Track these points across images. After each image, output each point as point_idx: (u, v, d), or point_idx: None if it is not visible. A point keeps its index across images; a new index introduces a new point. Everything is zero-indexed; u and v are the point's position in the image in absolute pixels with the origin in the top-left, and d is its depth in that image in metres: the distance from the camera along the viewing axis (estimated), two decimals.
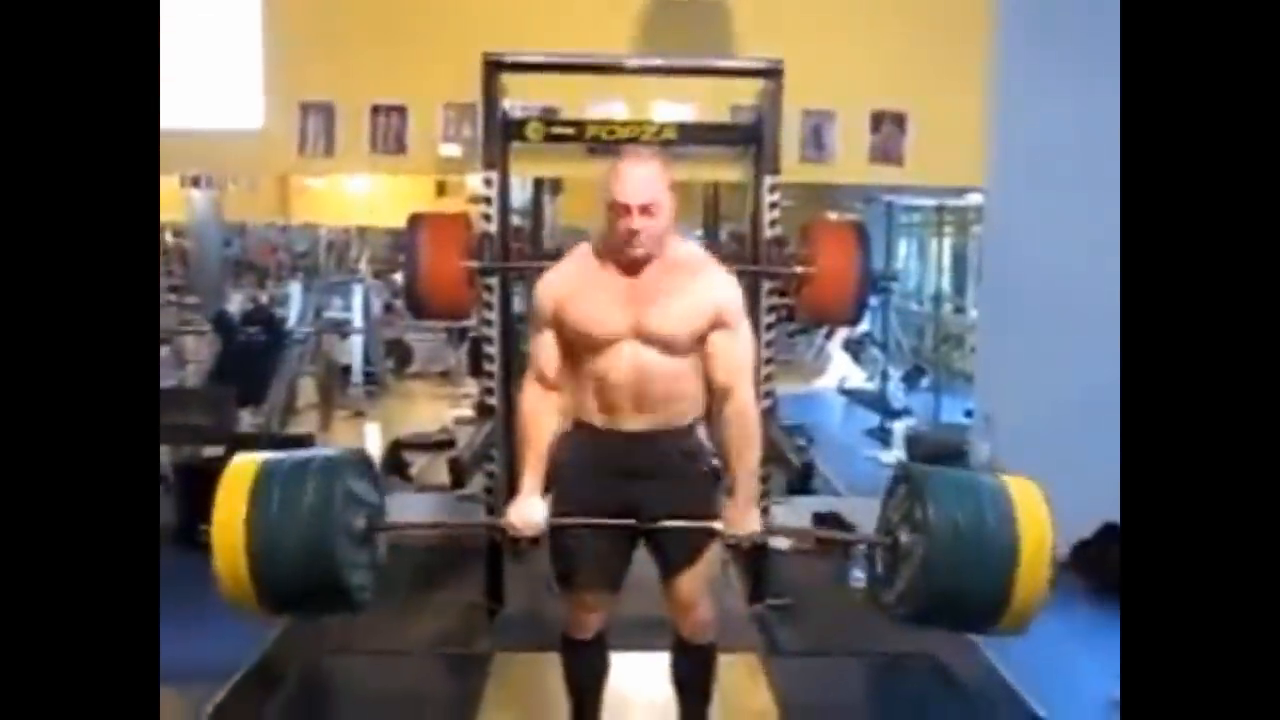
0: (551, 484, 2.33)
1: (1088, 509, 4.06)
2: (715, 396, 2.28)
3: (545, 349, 2.29)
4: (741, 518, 2.27)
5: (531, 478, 2.29)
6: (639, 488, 2.28)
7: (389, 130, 4.21)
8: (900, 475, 2.48)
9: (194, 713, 2.81)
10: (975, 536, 2.23)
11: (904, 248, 10.43)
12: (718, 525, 2.28)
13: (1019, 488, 2.36)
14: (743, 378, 2.26)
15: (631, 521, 2.29)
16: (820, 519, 4.43)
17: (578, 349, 2.26)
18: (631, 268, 2.23)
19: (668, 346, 2.22)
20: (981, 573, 2.22)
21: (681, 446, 2.30)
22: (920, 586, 2.27)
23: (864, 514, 4.31)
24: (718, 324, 2.23)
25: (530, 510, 2.27)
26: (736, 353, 2.25)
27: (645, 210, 2.15)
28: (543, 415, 2.30)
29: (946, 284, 9.40)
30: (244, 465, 2.27)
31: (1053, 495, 4.17)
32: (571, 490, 2.31)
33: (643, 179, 2.18)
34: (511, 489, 3.89)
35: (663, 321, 2.20)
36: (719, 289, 2.25)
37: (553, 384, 2.31)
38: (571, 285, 2.26)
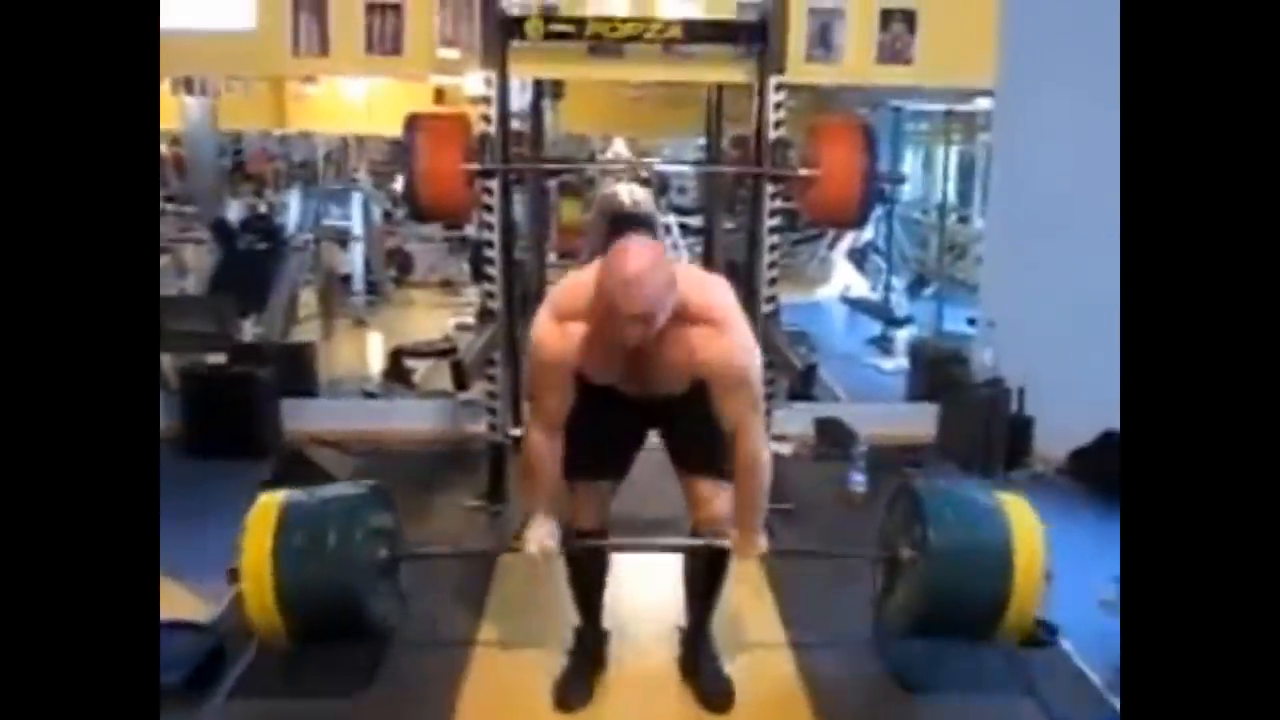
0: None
1: (1087, 417, 4.08)
2: (725, 430, 2.30)
3: (553, 399, 2.29)
4: (747, 544, 2.40)
5: (542, 509, 2.40)
6: (649, 403, 2.34)
7: (385, 29, 4.11)
8: (900, 493, 2.55)
9: (206, 610, 2.85)
10: (972, 554, 2.37)
11: (910, 156, 10.28)
12: (726, 543, 2.41)
13: (1013, 505, 2.46)
14: (750, 423, 2.28)
15: (648, 542, 2.58)
16: (822, 424, 4.46)
17: None
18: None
19: (672, 390, 2.28)
20: (978, 589, 2.37)
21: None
22: (919, 601, 2.40)
23: (864, 420, 4.38)
24: (722, 383, 2.22)
25: (544, 536, 2.38)
26: (742, 403, 2.25)
27: (647, 321, 2.07)
28: (550, 456, 2.35)
29: (952, 193, 9.29)
30: (268, 503, 2.39)
31: (1053, 402, 4.24)
32: (584, 395, 2.32)
33: (643, 287, 2.03)
34: (515, 395, 3.94)
35: (664, 386, 2.25)
36: (721, 353, 2.19)
37: (559, 431, 2.33)
38: (575, 355, 2.21)
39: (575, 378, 2.26)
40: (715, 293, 2.24)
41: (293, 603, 2.30)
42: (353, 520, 2.40)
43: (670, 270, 2.10)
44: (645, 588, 2.91)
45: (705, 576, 2.53)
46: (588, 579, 2.55)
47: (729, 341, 2.19)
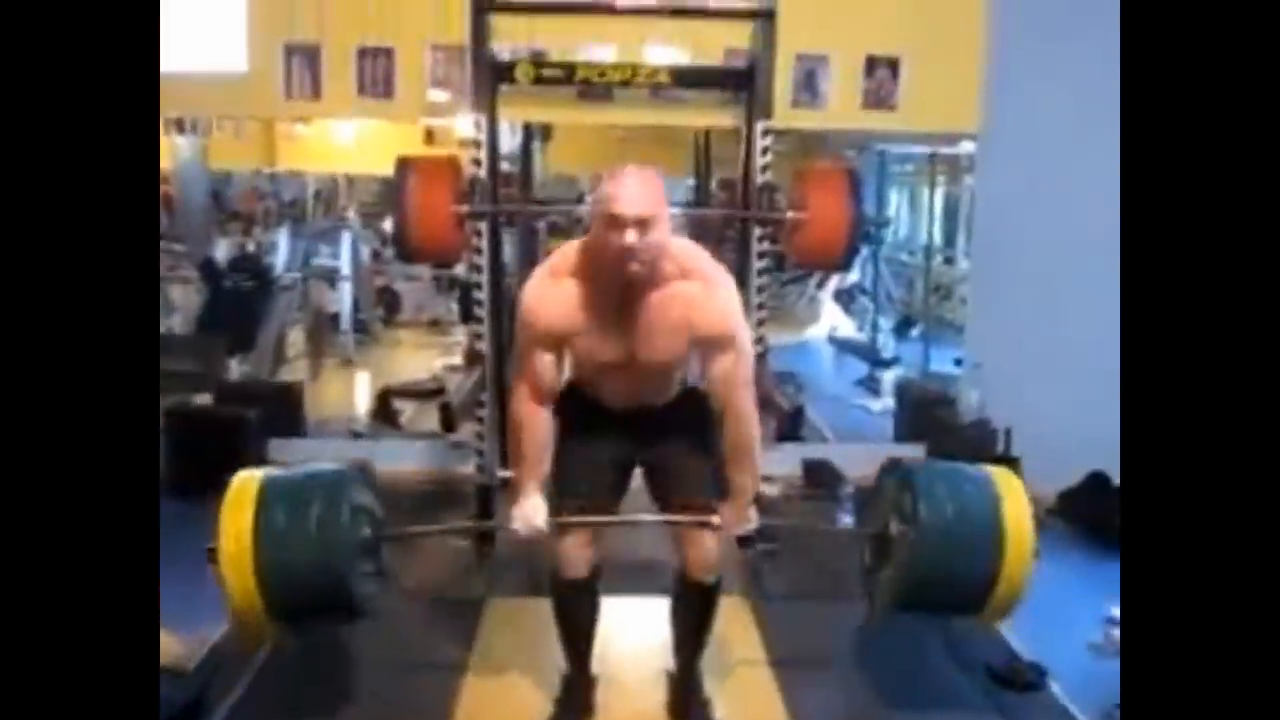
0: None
1: (1075, 458, 4.10)
2: (715, 405, 2.28)
3: (539, 364, 2.26)
4: (736, 517, 2.33)
5: (530, 482, 2.31)
6: (638, 430, 2.36)
7: (376, 73, 4.15)
8: (890, 468, 2.55)
9: (189, 658, 2.82)
10: (962, 528, 2.35)
11: (895, 198, 10.39)
12: (715, 520, 2.34)
13: (1002, 480, 2.45)
14: (740, 392, 2.25)
15: (637, 517, 2.44)
16: (810, 466, 4.46)
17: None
18: (624, 292, 2.16)
19: (662, 366, 2.26)
20: (968, 563, 2.34)
21: (673, 404, 2.39)
22: (909, 575, 2.37)
23: (852, 461, 4.38)
24: (711, 345, 2.22)
25: (532, 512, 2.30)
26: (731, 370, 2.23)
27: (642, 224, 2.05)
28: (539, 427, 2.30)
29: (937, 235, 9.38)
30: (247, 483, 2.30)
31: (1040, 444, 4.26)
32: (572, 427, 2.34)
33: (640, 191, 2.07)
34: (503, 435, 3.93)
35: (654, 350, 2.21)
36: (710, 315, 2.19)
37: (546, 398, 2.29)
38: (566, 314, 2.20)
39: (565, 362, 2.27)
40: (705, 259, 2.26)
41: (274, 581, 2.21)
42: (336, 496, 2.31)
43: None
44: (634, 631, 2.89)
45: (694, 615, 2.50)
46: (577, 624, 2.52)
47: (720, 302, 2.20)
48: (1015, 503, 2.39)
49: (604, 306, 2.17)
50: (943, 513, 2.34)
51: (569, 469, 2.35)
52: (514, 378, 2.32)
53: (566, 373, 2.39)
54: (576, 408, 2.34)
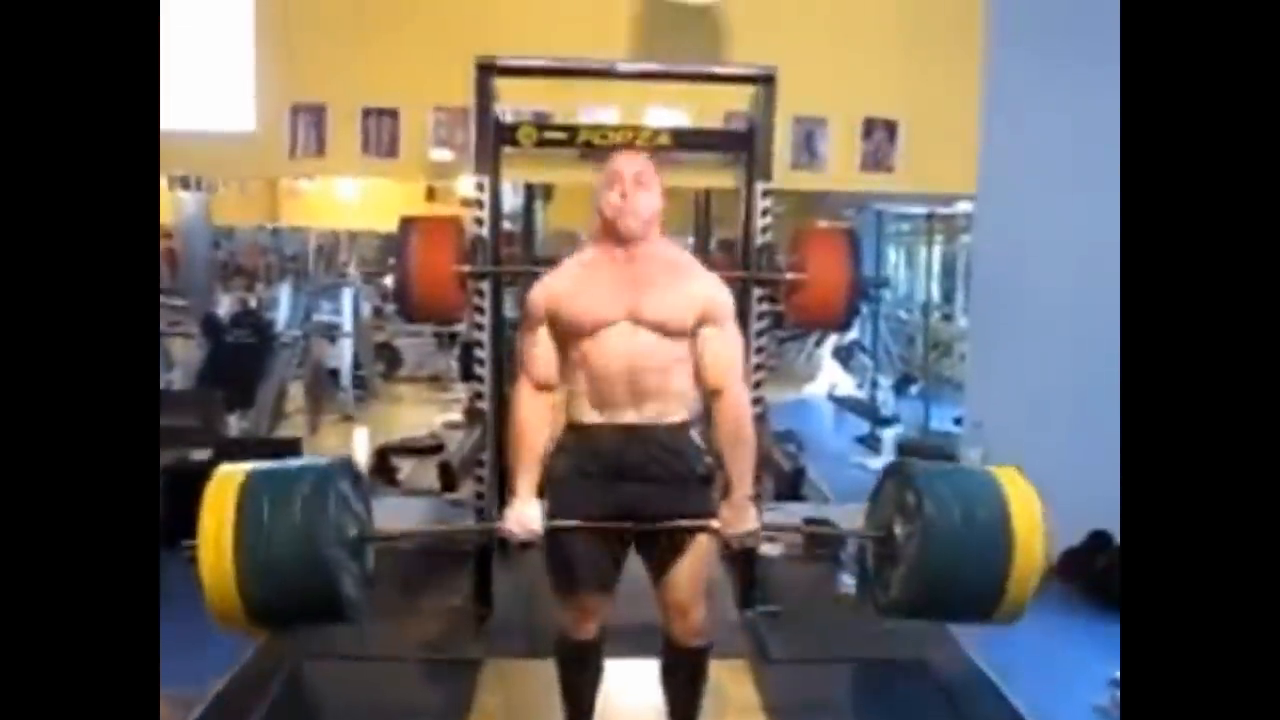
0: (543, 491, 2.32)
1: (1076, 517, 4.08)
2: (708, 396, 2.28)
3: (539, 348, 2.28)
4: (737, 517, 2.27)
5: (526, 481, 2.28)
6: (633, 491, 2.27)
7: (380, 133, 4.21)
8: (891, 469, 2.50)
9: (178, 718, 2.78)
10: (969, 523, 2.25)
11: (893, 256, 10.47)
12: (714, 524, 2.28)
13: (1007, 477, 2.38)
14: (733, 376, 2.28)
15: (629, 524, 2.29)
16: (810, 525, 4.42)
17: (571, 341, 2.26)
18: (625, 256, 2.24)
19: (661, 330, 2.22)
20: (977, 559, 2.24)
21: (674, 446, 2.28)
22: (917, 576, 2.27)
23: (853, 520, 4.34)
24: (707, 319, 2.25)
25: (527, 515, 2.27)
26: (726, 351, 2.27)
27: (638, 180, 2.22)
28: (536, 417, 2.30)
29: (936, 292, 9.43)
30: (229, 476, 2.18)
31: (1041, 501, 4.23)
32: (564, 496, 2.30)
33: (638, 157, 2.31)
34: (502, 493, 3.91)
35: (656, 306, 2.21)
36: (709, 286, 2.29)
37: (545, 384, 2.30)
38: (566, 282, 2.28)
39: (564, 339, 2.26)
40: (683, 251, 2.43)
41: (256, 577, 2.07)
42: (325, 487, 2.18)
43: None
44: (632, 693, 2.85)
45: (685, 678, 2.45)
46: (580, 687, 2.48)
47: (715, 282, 2.32)
48: (1022, 498, 2.31)
49: (608, 267, 2.25)
50: (949, 512, 2.25)
51: (564, 562, 2.32)
52: (519, 372, 2.35)
53: (561, 420, 2.35)
54: (567, 480, 2.29)
